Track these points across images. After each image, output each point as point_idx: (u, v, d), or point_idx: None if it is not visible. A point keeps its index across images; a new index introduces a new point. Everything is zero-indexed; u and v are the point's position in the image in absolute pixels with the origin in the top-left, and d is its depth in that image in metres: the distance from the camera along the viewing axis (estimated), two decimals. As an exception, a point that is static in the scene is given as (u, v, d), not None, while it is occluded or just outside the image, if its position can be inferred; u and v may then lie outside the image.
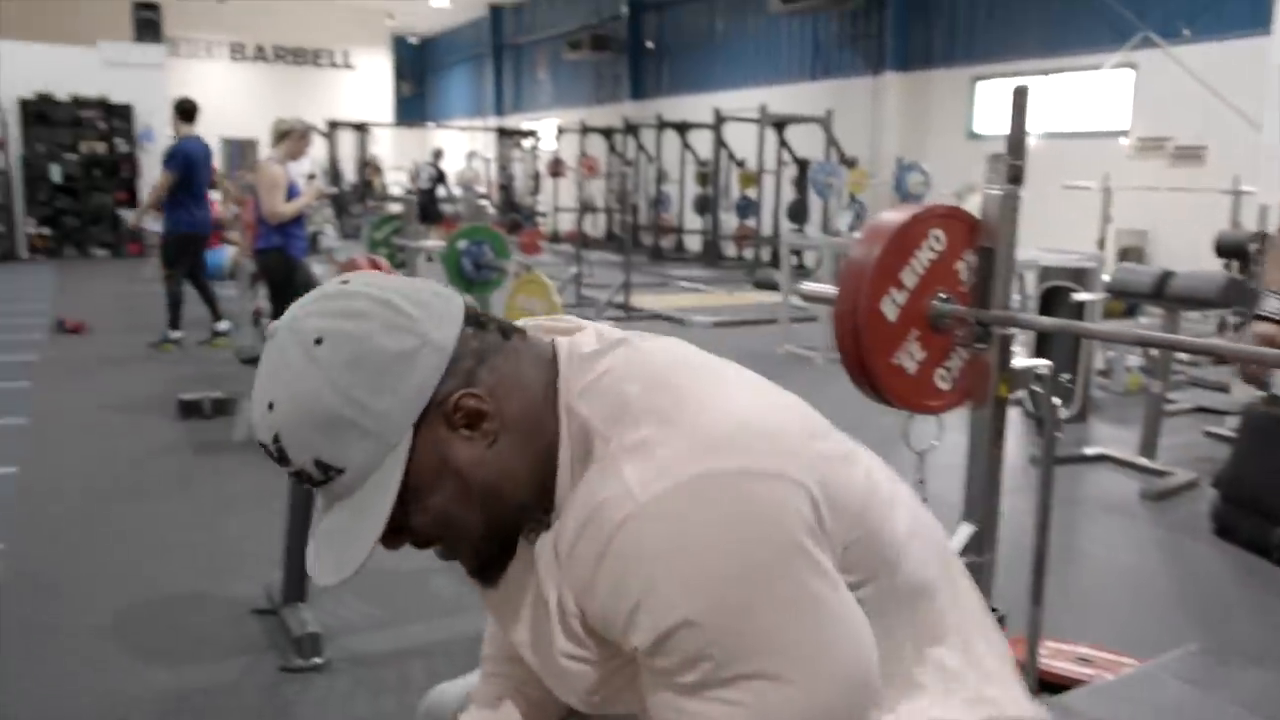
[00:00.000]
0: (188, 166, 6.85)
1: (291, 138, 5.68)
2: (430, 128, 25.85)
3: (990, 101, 12.40)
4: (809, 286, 2.15)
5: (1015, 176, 1.84)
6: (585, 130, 17.24)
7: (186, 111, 7.03)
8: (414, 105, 28.89)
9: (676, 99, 17.95)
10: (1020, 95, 1.86)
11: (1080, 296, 4.68)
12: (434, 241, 5.49)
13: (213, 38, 22.31)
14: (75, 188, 14.12)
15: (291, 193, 5.61)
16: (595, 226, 18.00)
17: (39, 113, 13.92)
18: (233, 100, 21.48)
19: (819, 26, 14.79)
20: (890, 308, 1.83)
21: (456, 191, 17.72)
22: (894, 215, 1.85)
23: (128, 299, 9.60)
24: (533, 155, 19.90)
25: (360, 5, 22.85)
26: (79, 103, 14.08)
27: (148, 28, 16.41)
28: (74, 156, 14.11)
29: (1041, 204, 10.19)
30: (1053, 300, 5.21)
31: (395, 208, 8.22)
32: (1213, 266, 6.85)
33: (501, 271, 4.56)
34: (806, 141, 13.75)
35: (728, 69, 16.82)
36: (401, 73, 26.89)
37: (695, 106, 16.77)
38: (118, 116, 14.30)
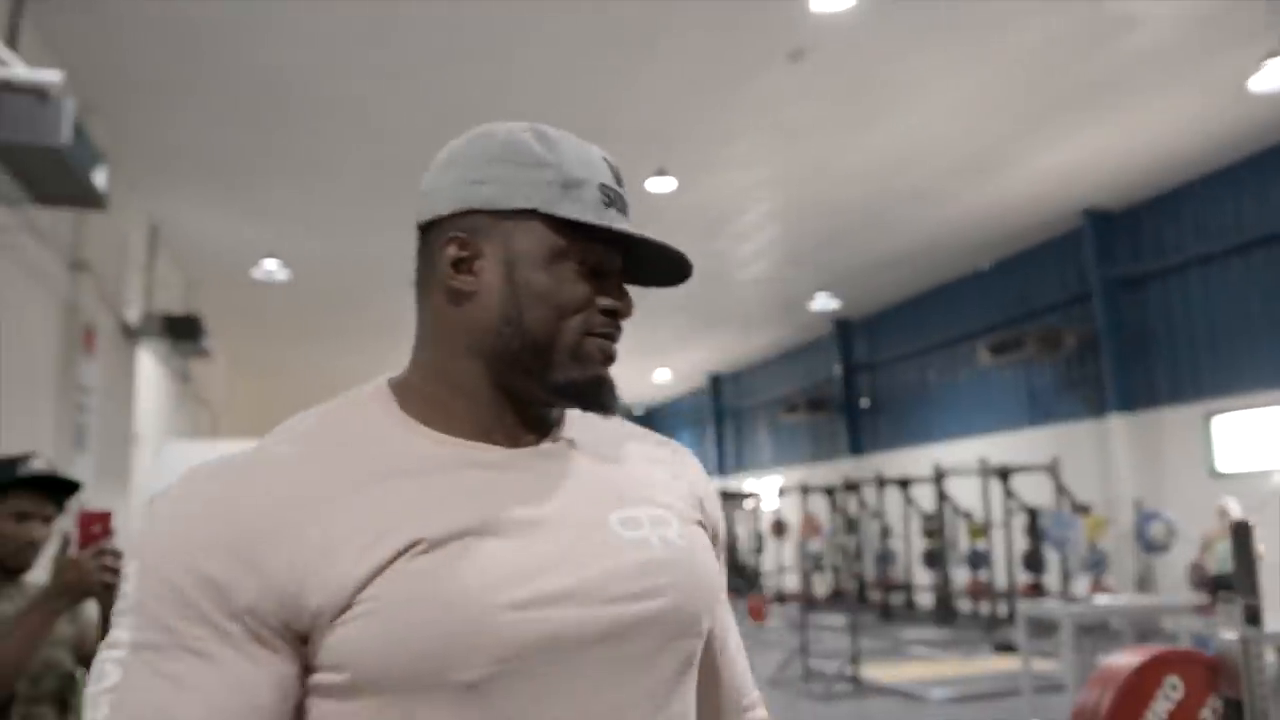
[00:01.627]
0: None
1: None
2: (654, 490, 26.70)
3: (1231, 437, 11.75)
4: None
5: (1253, 618, 1.75)
6: (806, 490, 17.41)
7: None
8: (639, 468, 30.16)
9: (896, 453, 18.01)
10: (1243, 530, 1.81)
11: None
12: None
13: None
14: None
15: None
16: (821, 584, 17.65)
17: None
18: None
19: (1033, 374, 14.79)
20: (1132, 766, 1.70)
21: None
22: (1124, 661, 1.77)
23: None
24: (754, 515, 20.10)
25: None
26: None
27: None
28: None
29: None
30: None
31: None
32: None
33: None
34: (1034, 488, 13.33)
35: (945, 421, 16.87)
36: (626, 439, 28.41)
37: (915, 460, 16.74)
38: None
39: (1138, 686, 1.82)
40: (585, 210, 0.90)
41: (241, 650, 0.78)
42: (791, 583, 18.18)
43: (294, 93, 8.95)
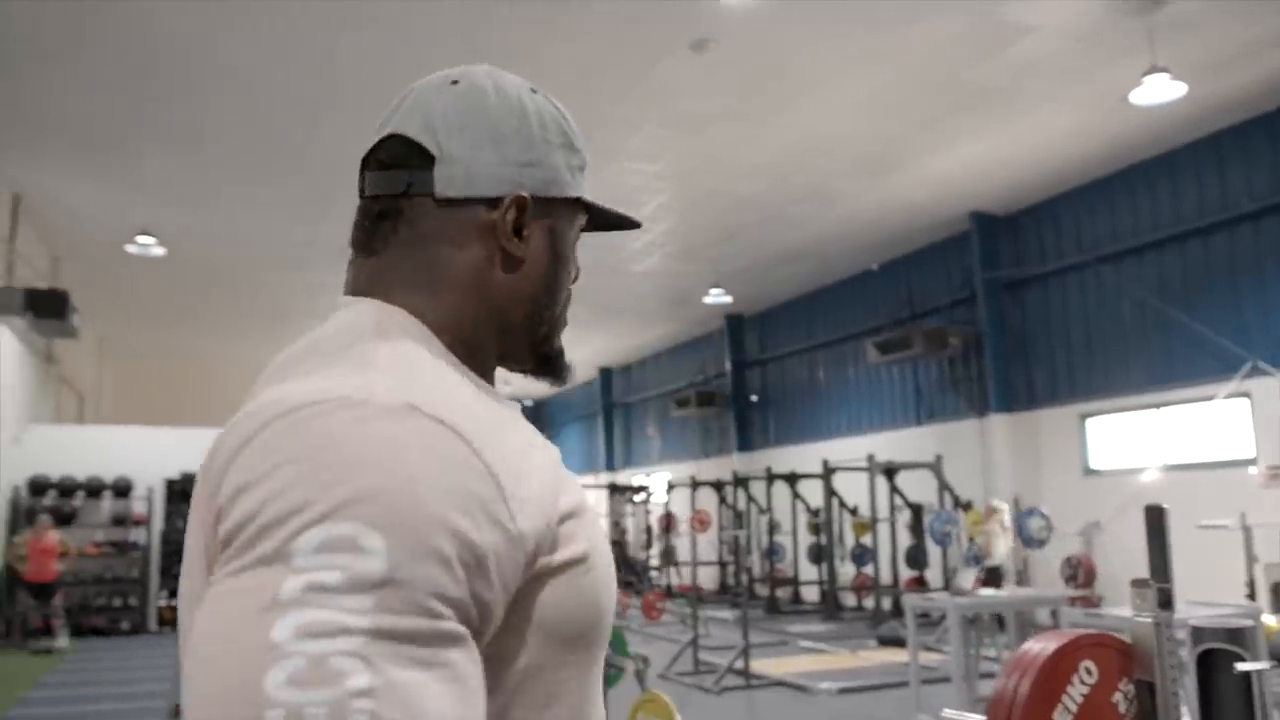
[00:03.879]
0: None
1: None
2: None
3: (1103, 437, 12.22)
4: (950, 715, 2.00)
5: (1165, 602, 1.72)
6: (695, 484, 17.47)
7: None
8: (527, 462, 29.87)
9: (784, 449, 18.21)
10: (1156, 514, 1.78)
11: (1245, 667, 4.27)
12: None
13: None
14: (206, 562, 14.71)
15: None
16: (710, 578, 17.75)
17: (182, 490, 14.82)
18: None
19: (919, 373, 15.13)
20: (1047, 753, 1.66)
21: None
22: (1039, 647, 1.73)
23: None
24: (644, 510, 20.09)
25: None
26: (217, 481, 14.98)
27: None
28: (208, 532, 14.82)
29: (1176, 544, 9.72)
30: (1210, 666, 4.76)
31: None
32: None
33: (619, 669, 4.39)
34: (918, 485, 13.62)
35: (833, 418, 17.13)
36: (516, 432, 28.06)
37: (803, 456, 16.96)
38: (251, 492, 15.11)
39: (1054, 671, 1.78)
40: (590, 193, 0.94)
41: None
42: (677, 577, 18.22)
43: (171, 59, 8.49)
